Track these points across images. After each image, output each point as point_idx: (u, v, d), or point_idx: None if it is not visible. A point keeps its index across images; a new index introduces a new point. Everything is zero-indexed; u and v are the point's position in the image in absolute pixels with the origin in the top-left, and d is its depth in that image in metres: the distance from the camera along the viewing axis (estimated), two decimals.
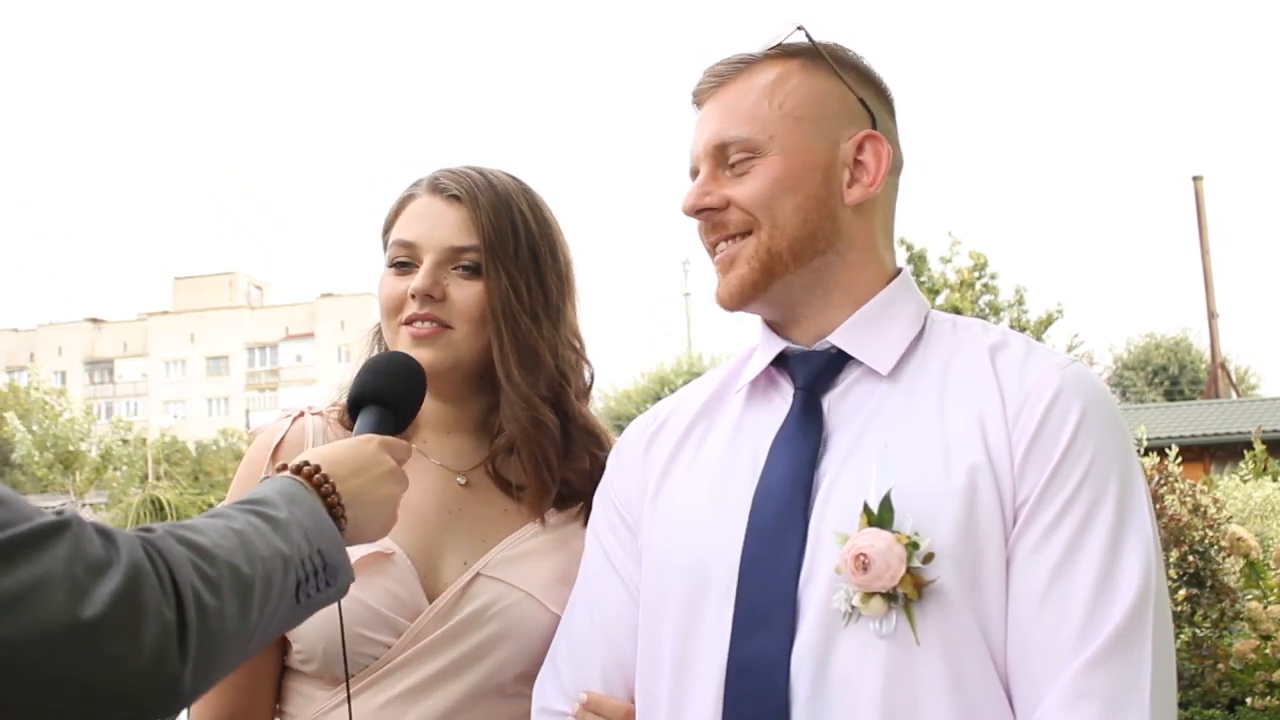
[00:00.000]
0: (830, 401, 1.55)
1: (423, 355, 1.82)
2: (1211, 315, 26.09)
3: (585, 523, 1.88)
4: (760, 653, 1.43)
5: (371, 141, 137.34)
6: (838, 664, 1.40)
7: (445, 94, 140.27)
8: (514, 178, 1.93)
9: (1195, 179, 26.24)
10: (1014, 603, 1.40)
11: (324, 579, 1.36)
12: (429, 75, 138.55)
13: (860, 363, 1.55)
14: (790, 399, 1.58)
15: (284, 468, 1.47)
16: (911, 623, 1.38)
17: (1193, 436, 21.94)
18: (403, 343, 1.85)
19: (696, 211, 1.59)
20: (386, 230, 1.92)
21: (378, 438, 1.59)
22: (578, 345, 1.94)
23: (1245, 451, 12.30)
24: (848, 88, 1.59)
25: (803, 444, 1.52)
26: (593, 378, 1.97)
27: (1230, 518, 7.11)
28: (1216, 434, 21.94)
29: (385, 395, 1.69)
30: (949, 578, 1.39)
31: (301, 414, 1.97)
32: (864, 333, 1.56)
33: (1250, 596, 6.31)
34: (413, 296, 1.83)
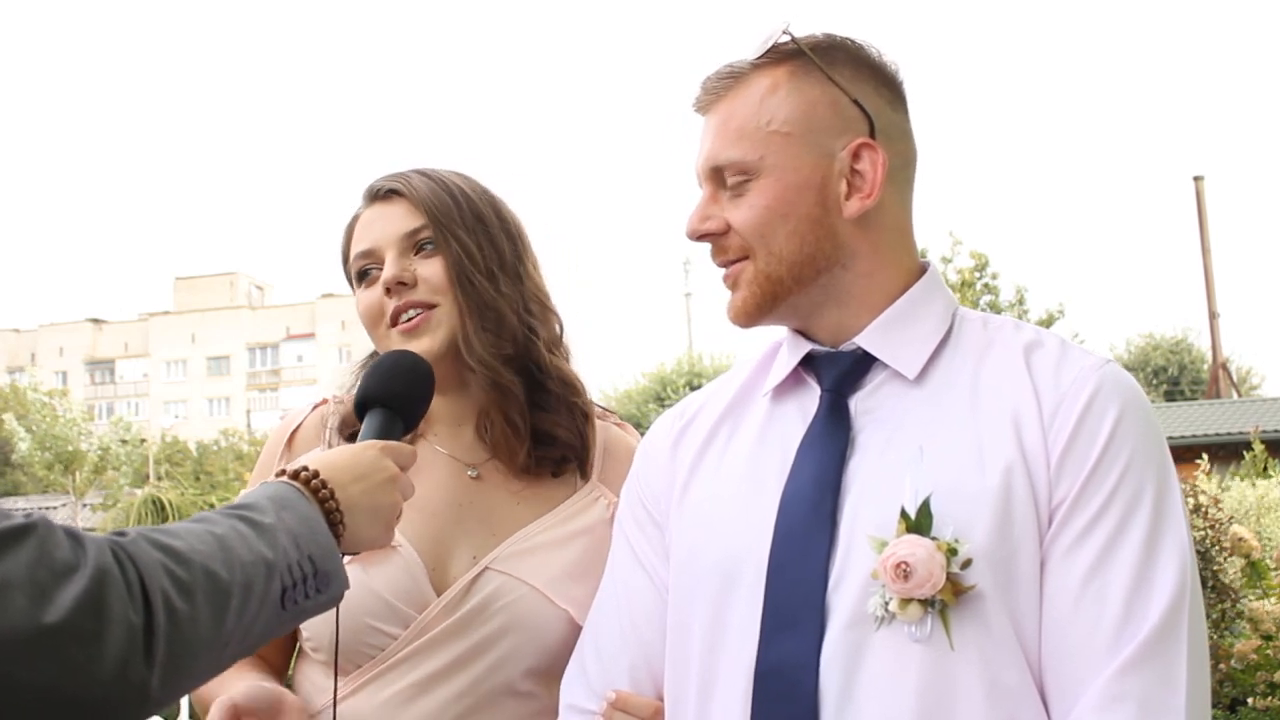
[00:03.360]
0: (857, 403, 1.54)
1: (420, 346, 1.82)
2: (1212, 315, 26.07)
3: (595, 511, 1.89)
4: (789, 655, 1.43)
5: (372, 142, 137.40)
6: (870, 667, 1.39)
7: (445, 94, 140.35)
8: (446, 168, 1.98)
9: (1196, 179, 26.22)
10: (1049, 604, 1.39)
11: (313, 585, 1.32)
12: (429, 76, 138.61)
13: (887, 364, 1.54)
14: (817, 400, 1.57)
15: (282, 473, 1.44)
16: (947, 627, 1.38)
17: (1193, 437, 21.95)
18: (395, 344, 1.85)
19: (697, 237, 1.58)
20: (346, 257, 1.95)
21: (380, 443, 1.57)
22: (542, 299, 1.94)
23: (1245, 452, 12.31)
24: (840, 90, 1.54)
25: (830, 446, 1.51)
26: (562, 329, 1.97)
27: (1231, 517, 7.11)
28: (1218, 434, 21.93)
29: (389, 397, 1.68)
30: (984, 580, 1.38)
31: (325, 401, 1.98)
32: (890, 335, 1.54)
33: (1251, 596, 6.31)
34: (387, 292, 1.85)
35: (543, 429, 1.88)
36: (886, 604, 1.39)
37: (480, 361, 1.84)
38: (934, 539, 1.38)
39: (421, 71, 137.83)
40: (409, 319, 1.84)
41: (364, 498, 1.47)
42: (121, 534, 1.16)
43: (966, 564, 1.38)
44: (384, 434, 1.63)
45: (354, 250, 1.91)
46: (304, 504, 1.38)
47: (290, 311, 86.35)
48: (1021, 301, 30.33)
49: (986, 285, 29.37)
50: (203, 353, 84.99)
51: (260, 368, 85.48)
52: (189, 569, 1.16)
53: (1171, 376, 40.64)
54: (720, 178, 1.56)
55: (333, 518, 1.42)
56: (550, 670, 1.78)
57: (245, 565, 1.23)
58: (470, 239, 1.87)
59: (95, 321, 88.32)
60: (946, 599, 1.37)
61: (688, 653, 1.54)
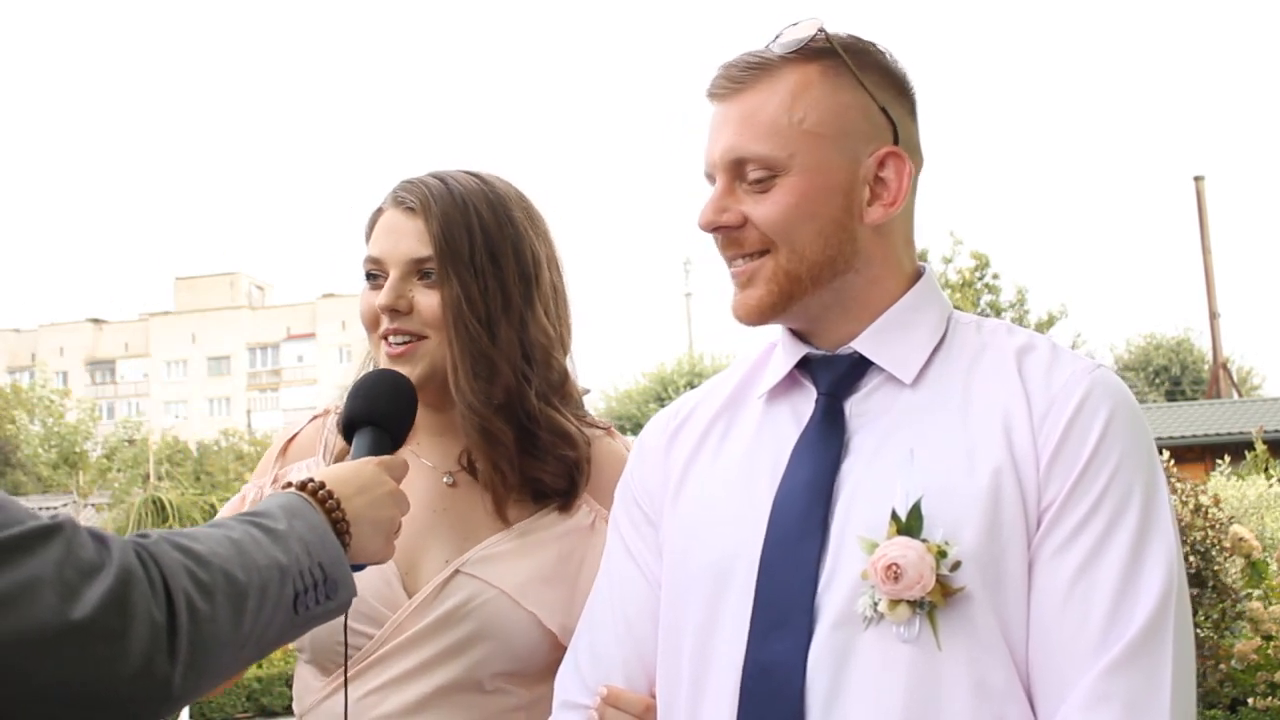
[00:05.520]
0: (852, 405, 1.55)
1: (403, 371, 1.83)
2: (1213, 315, 26.08)
3: (574, 518, 1.89)
4: (777, 655, 1.44)
5: (373, 142, 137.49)
6: (857, 667, 1.40)
7: (445, 94, 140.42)
8: (478, 178, 1.92)
9: (1196, 179, 26.25)
10: (1036, 605, 1.40)
11: (324, 592, 1.37)
12: (429, 75, 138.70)
13: (883, 368, 1.55)
14: (812, 402, 1.57)
15: (289, 485, 1.48)
16: (935, 628, 1.39)
17: (1194, 437, 21.97)
18: (383, 360, 1.87)
19: (713, 229, 1.55)
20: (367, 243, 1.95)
21: (375, 459, 1.60)
22: (546, 345, 1.90)
23: (1246, 452, 12.33)
24: (870, 96, 1.54)
25: (825, 450, 1.52)
26: (564, 376, 1.93)
27: (1231, 517, 7.12)
28: (1218, 434, 21.94)
29: (376, 416, 1.70)
30: (973, 581, 1.39)
31: (326, 411, 1.99)
32: (887, 340, 1.55)
33: (1251, 596, 6.32)
34: (382, 311, 1.85)
35: (530, 474, 1.87)
36: (875, 604, 1.40)
37: (470, 408, 1.83)
38: (924, 541, 1.39)
39: (422, 71, 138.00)
40: (398, 343, 1.84)
41: (368, 510, 1.52)
42: (144, 535, 1.20)
43: (956, 566, 1.39)
44: (376, 451, 1.66)
45: (367, 251, 1.91)
46: (313, 513, 1.42)
47: (290, 311, 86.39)
48: (1022, 302, 30.38)
49: (987, 285, 29.42)
50: (203, 353, 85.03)
51: (260, 368, 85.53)
52: (209, 570, 1.20)
53: (1172, 376, 40.67)
54: (740, 170, 1.53)
55: (339, 527, 1.46)
56: (519, 671, 1.80)
57: (261, 569, 1.27)
58: (475, 280, 1.83)
59: (95, 321, 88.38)
60: (935, 600, 1.38)
61: (680, 650, 1.55)
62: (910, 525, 1.40)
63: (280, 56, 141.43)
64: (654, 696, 1.60)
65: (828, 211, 1.51)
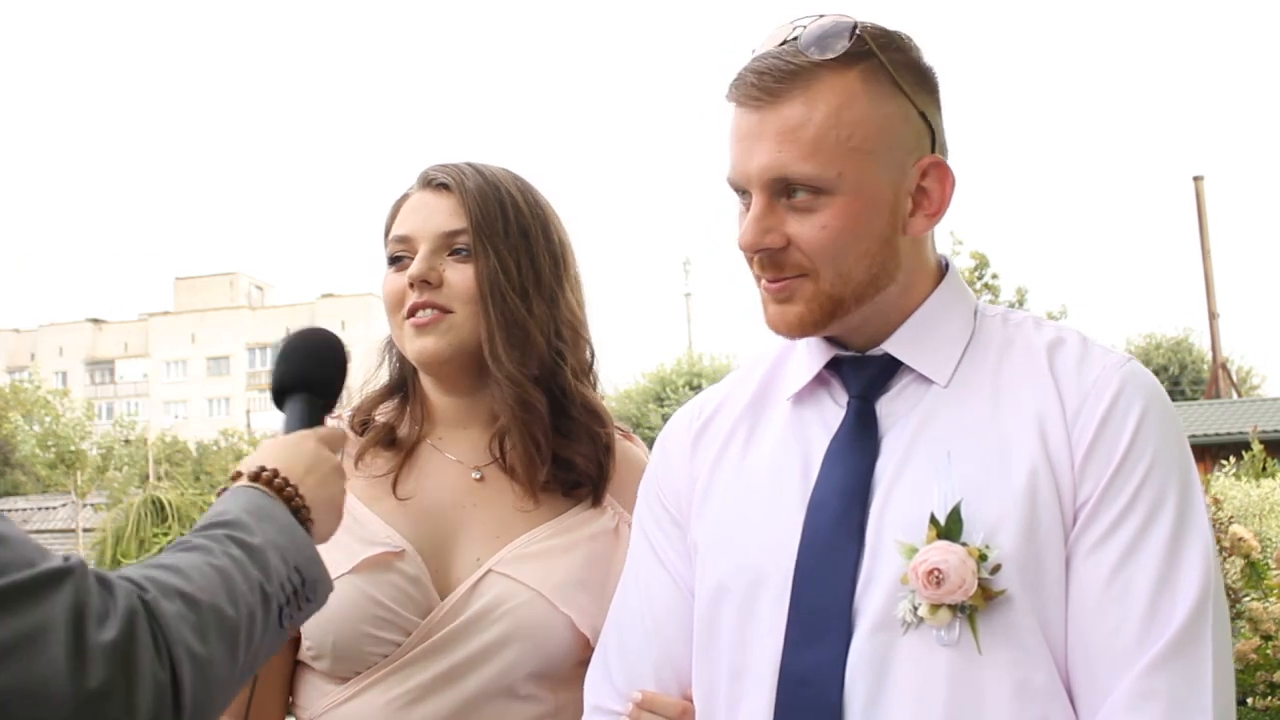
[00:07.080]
0: (882, 405, 1.52)
1: (426, 344, 1.83)
2: (1212, 316, 26.04)
3: (602, 520, 1.88)
4: (814, 663, 1.42)
5: (372, 142, 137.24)
6: (897, 673, 1.38)
7: (445, 94, 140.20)
8: (505, 168, 1.94)
9: (1196, 179, 26.17)
10: (1074, 603, 1.39)
11: (304, 596, 1.33)
12: (429, 75, 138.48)
13: (915, 369, 1.52)
14: (842, 404, 1.54)
15: (239, 475, 1.41)
16: (975, 631, 1.37)
17: (1194, 436, 21.94)
18: (407, 336, 1.86)
19: (757, 250, 1.48)
20: (387, 233, 1.93)
21: (314, 433, 1.53)
22: (575, 324, 1.92)
23: (1244, 452, 12.31)
24: (910, 102, 1.48)
25: (860, 454, 1.49)
26: (594, 356, 1.96)
27: (1231, 517, 7.11)
28: (1218, 434, 21.93)
29: (307, 381, 1.62)
30: (1012, 583, 1.37)
31: None
32: (918, 341, 1.53)
33: (1251, 597, 6.31)
34: (411, 285, 1.84)
35: (562, 455, 1.87)
36: (915, 609, 1.38)
37: (508, 377, 1.83)
38: (964, 544, 1.38)
39: (422, 70, 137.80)
40: (423, 316, 1.84)
41: (320, 490, 1.46)
42: (139, 586, 1.14)
43: (996, 569, 1.38)
44: (311, 421, 1.58)
45: (393, 232, 1.91)
46: (280, 511, 1.37)
47: (290, 311, 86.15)
48: (1022, 302, 30.32)
49: (987, 285, 29.37)
50: (203, 353, 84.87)
51: (260, 368, 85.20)
52: (201, 613, 1.17)
53: (1172, 376, 40.57)
54: (782, 188, 1.46)
55: (302, 515, 1.40)
56: (552, 675, 1.79)
57: (247, 598, 1.23)
58: (510, 254, 1.84)
59: (95, 321, 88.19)
60: (976, 604, 1.37)
61: (716, 659, 1.53)
62: (950, 529, 1.39)
63: (280, 57, 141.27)
64: (687, 699, 1.58)
65: (874, 230, 1.47)
